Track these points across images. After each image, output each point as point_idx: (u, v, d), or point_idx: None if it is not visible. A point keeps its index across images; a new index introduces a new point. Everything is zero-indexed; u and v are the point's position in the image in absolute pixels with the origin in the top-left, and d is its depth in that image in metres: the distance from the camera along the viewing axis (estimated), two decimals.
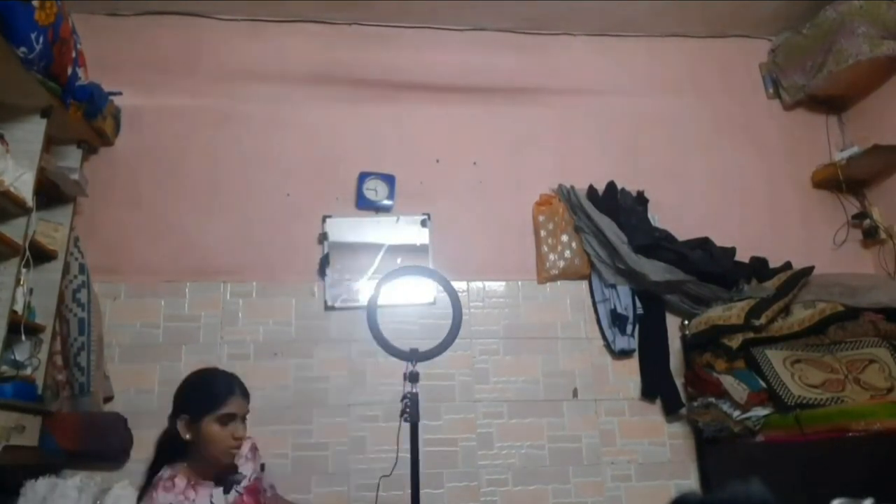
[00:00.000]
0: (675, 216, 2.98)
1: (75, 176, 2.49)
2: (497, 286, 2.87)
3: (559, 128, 3.12)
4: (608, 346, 2.81)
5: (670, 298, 2.84)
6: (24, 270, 2.20)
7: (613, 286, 2.82)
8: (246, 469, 1.81)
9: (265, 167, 2.88)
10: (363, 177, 2.89)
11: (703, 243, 2.87)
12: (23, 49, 1.99)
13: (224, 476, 1.72)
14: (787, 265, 2.87)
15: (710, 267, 2.77)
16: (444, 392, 2.69)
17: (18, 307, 2.16)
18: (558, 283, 2.89)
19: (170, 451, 1.74)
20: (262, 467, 1.85)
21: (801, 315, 2.54)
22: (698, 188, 3.10)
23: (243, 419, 1.75)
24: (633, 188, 2.99)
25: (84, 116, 2.52)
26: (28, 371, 2.23)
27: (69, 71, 2.31)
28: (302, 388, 2.62)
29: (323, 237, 2.80)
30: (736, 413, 2.41)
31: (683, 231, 2.91)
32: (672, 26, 3.29)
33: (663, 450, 2.73)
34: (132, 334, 2.60)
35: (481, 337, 2.79)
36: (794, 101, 3.25)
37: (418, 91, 3.09)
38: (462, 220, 2.93)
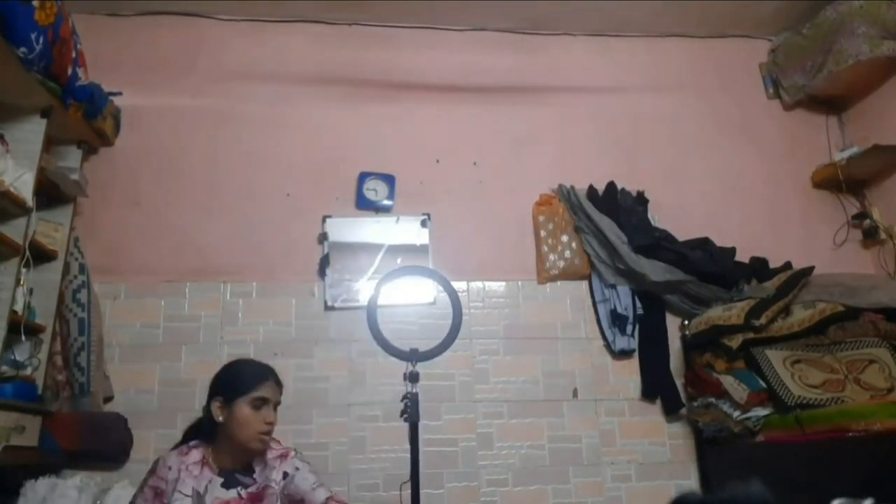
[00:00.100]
0: (675, 216, 2.98)
1: (75, 176, 2.50)
2: (497, 286, 2.87)
3: (559, 128, 3.12)
4: (608, 346, 2.81)
5: (670, 298, 2.84)
6: (24, 270, 2.20)
7: (613, 286, 2.82)
8: (264, 474, 1.70)
9: (265, 167, 2.88)
10: (363, 177, 2.89)
11: (703, 243, 2.87)
12: (23, 49, 2.00)
13: (232, 473, 1.70)
14: (787, 265, 2.87)
15: (710, 267, 2.78)
16: (444, 392, 2.69)
17: (18, 307, 2.17)
18: (558, 283, 2.89)
19: (200, 432, 1.74)
20: (285, 475, 1.70)
21: (801, 315, 2.55)
22: (698, 188, 3.10)
23: (275, 407, 1.74)
24: (633, 188, 2.99)
25: (84, 116, 2.52)
26: (28, 371, 2.24)
27: (69, 71, 2.32)
28: (302, 388, 2.62)
29: (323, 237, 2.80)
30: (736, 413, 2.41)
31: (683, 231, 2.91)
32: (672, 26, 3.29)
33: (663, 450, 2.73)
34: (132, 334, 2.60)
35: (481, 337, 2.79)
36: (794, 101, 3.25)
37: (418, 91, 3.09)
38: (462, 220, 2.93)
